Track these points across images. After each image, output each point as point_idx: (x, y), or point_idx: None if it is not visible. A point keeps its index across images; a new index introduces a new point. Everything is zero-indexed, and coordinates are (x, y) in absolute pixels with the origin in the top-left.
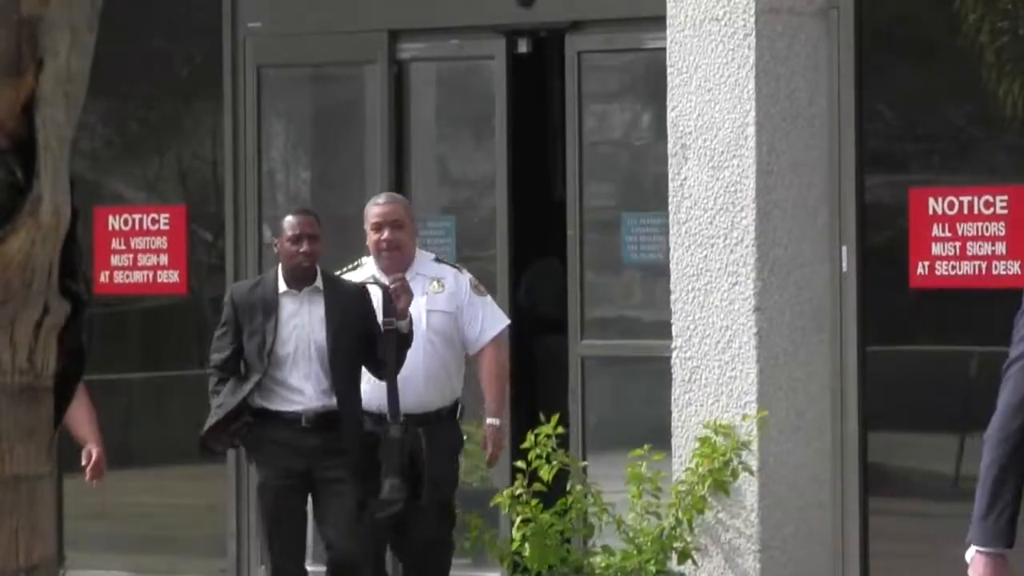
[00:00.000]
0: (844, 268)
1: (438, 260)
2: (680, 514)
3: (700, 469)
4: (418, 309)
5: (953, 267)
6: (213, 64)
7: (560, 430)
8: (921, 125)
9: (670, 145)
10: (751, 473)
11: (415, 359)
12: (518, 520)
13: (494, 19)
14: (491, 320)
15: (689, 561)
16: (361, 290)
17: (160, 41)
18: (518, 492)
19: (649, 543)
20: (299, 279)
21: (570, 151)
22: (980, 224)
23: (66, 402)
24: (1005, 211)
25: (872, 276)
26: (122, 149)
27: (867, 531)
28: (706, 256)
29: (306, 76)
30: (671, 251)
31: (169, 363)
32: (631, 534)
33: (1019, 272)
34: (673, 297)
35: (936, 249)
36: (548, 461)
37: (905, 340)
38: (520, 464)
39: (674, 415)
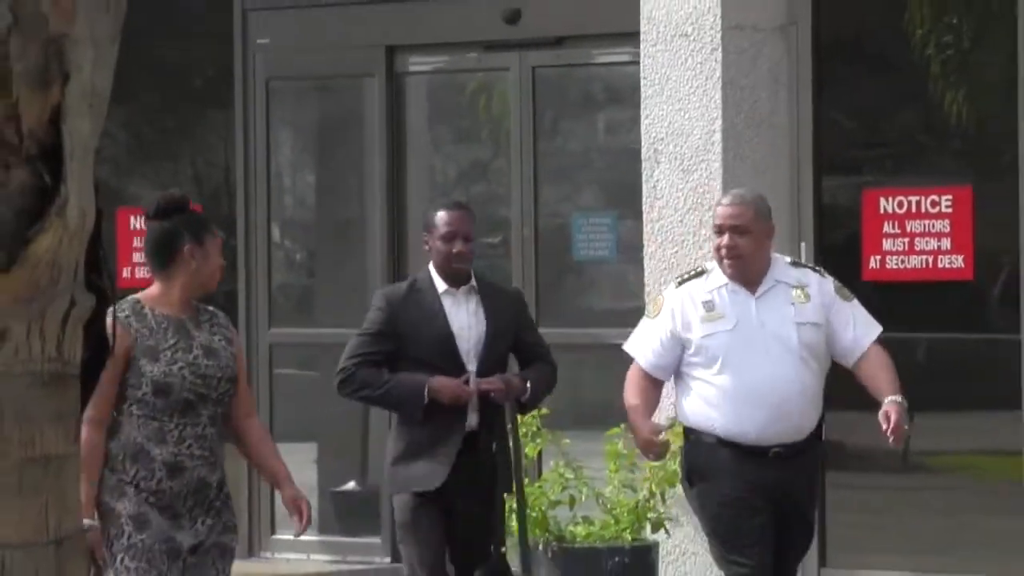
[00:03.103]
0: (803, 263)
1: (795, 263)
2: (653, 487)
3: (672, 446)
4: (786, 322)
5: (902, 261)
6: (225, 77)
7: (544, 411)
8: (873, 132)
9: (643, 150)
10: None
11: (788, 379)
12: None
13: (483, 35)
14: (867, 324)
15: (662, 530)
16: (517, 294)
17: (176, 55)
18: None
19: (625, 514)
20: (455, 279)
21: (525, 158)
22: (927, 222)
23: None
24: (950, 210)
25: (828, 270)
26: (142, 155)
27: (824, 503)
28: (677, 252)
29: (311, 88)
30: (645, 247)
31: None
32: (609, 506)
33: (962, 266)
34: (647, 289)
35: (887, 245)
36: (533, 440)
37: None
38: None
39: None
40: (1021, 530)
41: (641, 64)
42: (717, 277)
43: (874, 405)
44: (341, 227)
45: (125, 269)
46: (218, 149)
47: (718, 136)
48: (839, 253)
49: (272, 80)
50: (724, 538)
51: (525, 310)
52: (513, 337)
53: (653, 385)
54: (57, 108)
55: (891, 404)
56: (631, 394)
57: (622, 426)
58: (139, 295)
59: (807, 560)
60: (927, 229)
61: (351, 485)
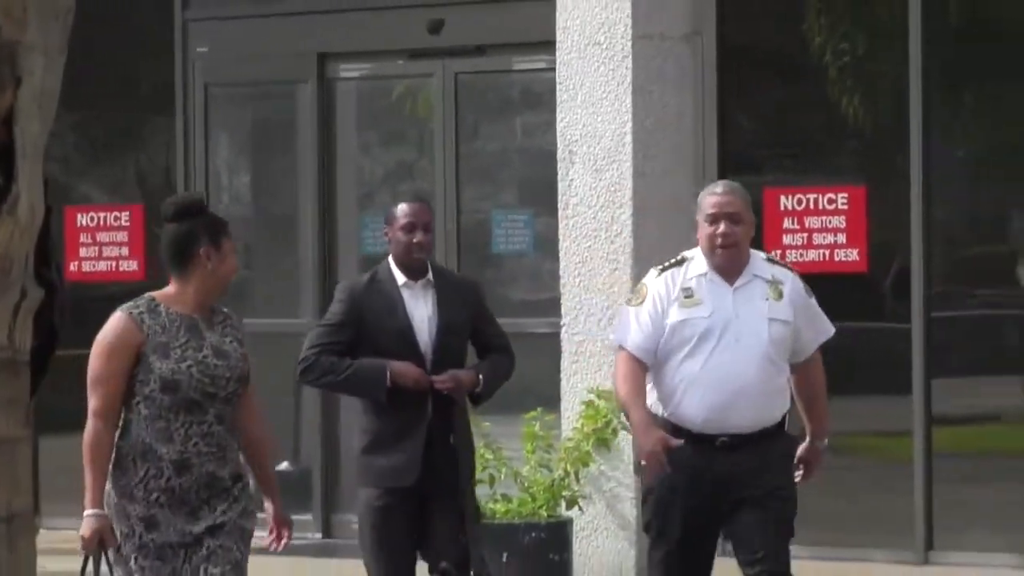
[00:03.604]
0: None
1: (771, 260)
2: (568, 467)
3: (585, 428)
4: (759, 317)
5: (801, 254)
6: (167, 83)
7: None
8: (774, 134)
9: (559, 151)
10: (628, 432)
11: (753, 374)
12: None
13: (408, 44)
14: (822, 326)
15: (576, 507)
16: (474, 286)
17: (121, 62)
18: None
19: (542, 492)
20: (414, 270)
21: (448, 158)
22: (824, 218)
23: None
24: (845, 207)
25: None
26: (89, 156)
27: None
28: (590, 246)
29: (247, 93)
30: (560, 242)
31: None
32: (526, 484)
33: (857, 259)
34: (562, 281)
35: (787, 239)
36: None
37: None
38: None
39: (563, 382)
40: (910, 506)
41: (557, 71)
42: (698, 266)
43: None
44: (275, 223)
45: (72, 263)
46: (160, 150)
47: (629, 138)
48: None
49: (211, 86)
50: (653, 523)
51: (483, 302)
52: (471, 328)
53: (641, 371)
54: (10, 110)
55: (816, 451)
56: (625, 387)
57: (539, 409)
58: (155, 293)
59: None
60: (824, 225)
61: (284, 465)
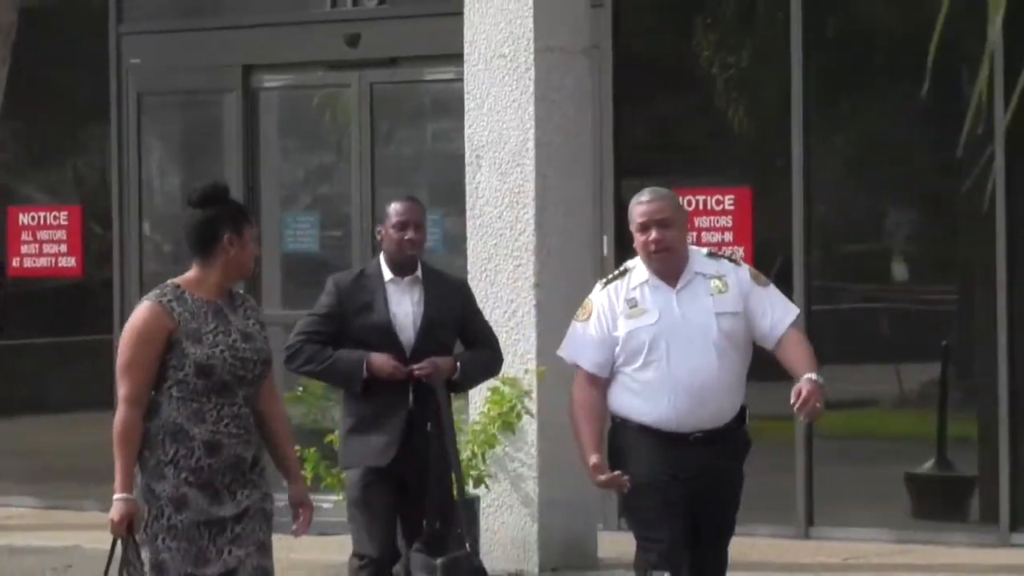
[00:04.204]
0: (605, 253)
1: (712, 255)
2: (475, 448)
3: (491, 412)
4: (706, 313)
5: None
6: (102, 92)
7: None
8: (666, 140)
9: (467, 156)
10: (531, 416)
11: (710, 369)
12: (301, 448)
13: (327, 56)
14: (783, 308)
15: (483, 485)
16: (462, 284)
17: (60, 74)
18: None
19: None
20: (403, 267)
21: (364, 162)
22: (712, 218)
23: None
24: (732, 207)
25: (626, 258)
26: (30, 160)
27: None
28: (495, 244)
29: (177, 102)
30: (468, 240)
31: (69, 330)
32: None
33: (743, 255)
34: (470, 276)
35: None
36: None
37: None
38: None
39: None
40: (792, 485)
41: (465, 81)
42: (639, 275)
43: None
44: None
45: (15, 260)
46: (97, 155)
47: (531, 144)
48: None
49: (143, 95)
50: (638, 519)
51: (471, 299)
52: (458, 325)
53: (601, 392)
54: None
55: (805, 381)
56: (577, 418)
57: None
58: (178, 280)
59: (607, 509)
60: (713, 224)
61: None
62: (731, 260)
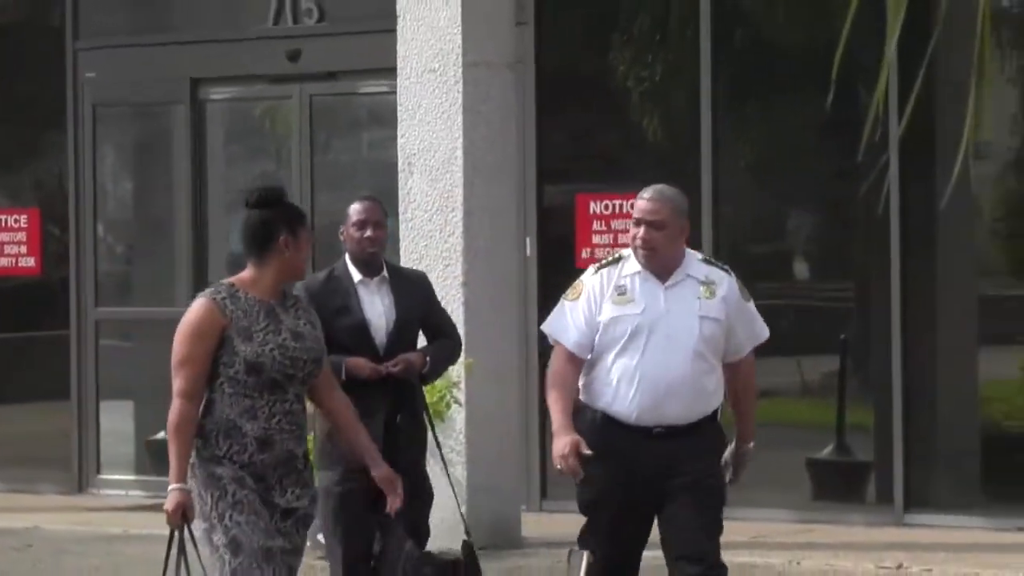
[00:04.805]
0: (528, 253)
1: (706, 260)
2: None
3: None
4: (691, 315)
5: (608, 252)
6: (59, 104)
7: None
8: (585, 148)
9: (400, 163)
10: (460, 405)
11: (682, 369)
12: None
13: (270, 70)
14: (756, 329)
15: None
16: (423, 278)
17: (20, 86)
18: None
19: None
20: (369, 266)
21: (304, 169)
22: (627, 220)
23: None
24: None
25: (549, 259)
26: None
27: (544, 449)
28: (426, 245)
29: (129, 113)
30: (400, 242)
31: (29, 326)
32: None
33: None
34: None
35: (595, 239)
36: None
37: None
38: None
39: None
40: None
41: (397, 94)
42: (632, 265)
43: None
44: (154, 225)
45: None
46: (54, 162)
47: (460, 152)
48: (558, 246)
49: (98, 107)
50: (588, 520)
51: (432, 292)
52: (422, 319)
53: (575, 370)
54: None
55: (742, 454)
56: (552, 387)
57: None
58: (232, 279)
59: (531, 492)
60: (627, 226)
61: (161, 434)
62: (723, 269)
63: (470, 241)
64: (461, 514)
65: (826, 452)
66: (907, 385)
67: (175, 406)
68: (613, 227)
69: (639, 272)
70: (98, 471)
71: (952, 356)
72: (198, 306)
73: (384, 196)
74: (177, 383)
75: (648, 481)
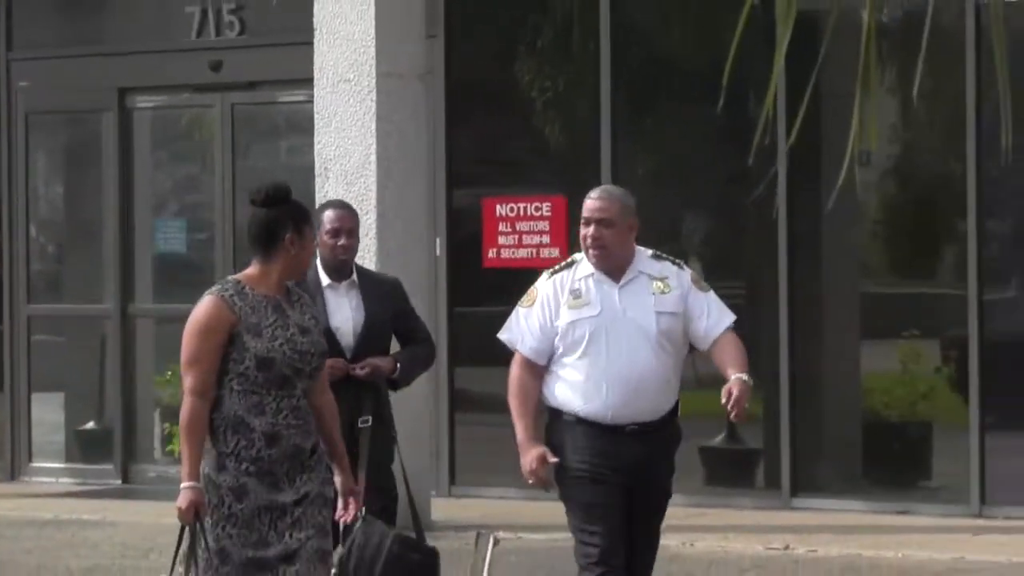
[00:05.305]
0: (437, 253)
1: (657, 256)
2: None
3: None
4: (647, 311)
5: (513, 252)
6: None
7: None
8: (491, 154)
9: (317, 168)
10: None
11: (647, 364)
12: (169, 426)
13: (193, 80)
14: (720, 312)
15: None
16: (395, 283)
17: None
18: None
19: None
20: (339, 272)
21: (225, 173)
22: (531, 222)
23: None
24: (549, 213)
25: (457, 259)
26: None
27: (454, 438)
28: None
29: (60, 120)
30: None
31: None
32: None
33: (559, 255)
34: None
35: (502, 240)
36: None
37: (480, 304)
38: None
39: None
40: None
41: (314, 102)
42: (585, 267)
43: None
44: (84, 226)
45: None
46: None
47: (373, 158)
48: (466, 247)
49: (30, 114)
50: (577, 510)
51: (405, 297)
52: (393, 324)
53: (534, 377)
54: None
55: (735, 381)
56: (514, 398)
57: None
58: (239, 276)
59: (440, 477)
60: (532, 228)
61: (90, 424)
62: (674, 263)
63: (383, 242)
64: (415, 514)
65: (718, 440)
66: (794, 377)
67: (186, 404)
68: (518, 228)
69: (592, 274)
70: (30, 459)
71: (836, 350)
72: (206, 303)
73: (301, 199)
74: (188, 381)
75: (626, 478)
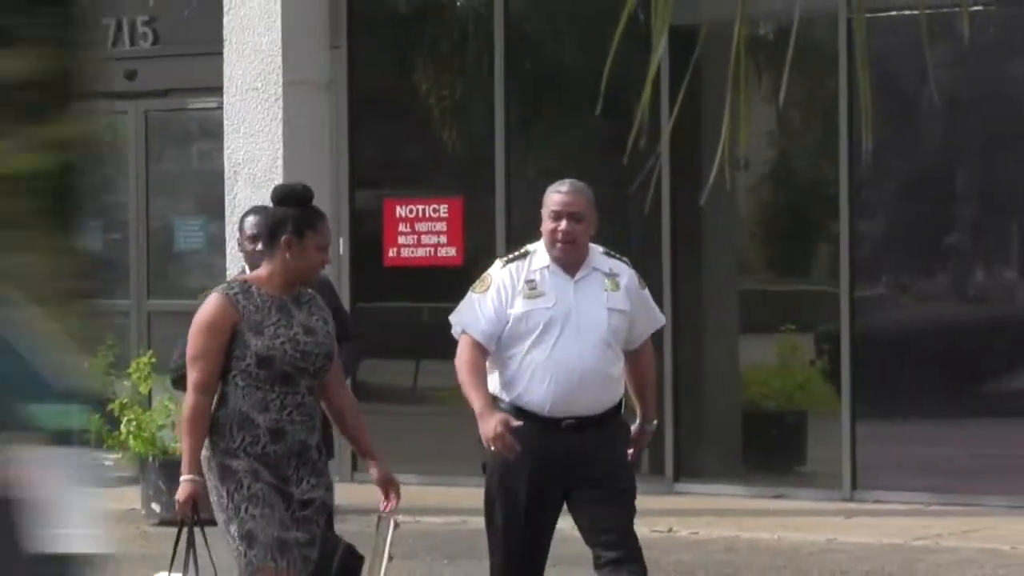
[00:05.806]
0: (341, 252)
1: (608, 254)
2: None
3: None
4: (600, 307)
5: (413, 251)
6: None
7: (152, 359)
8: (392, 158)
9: (226, 171)
10: None
11: (593, 360)
12: (125, 419)
13: (109, 87)
14: (653, 316)
15: None
16: (325, 281)
17: None
18: (125, 400)
19: None
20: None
21: (139, 177)
22: (429, 223)
23: None
24: (446, 214)
25: (360, 258)
26: None
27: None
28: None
29: None
30: (227, 242)
31: None
32: None
33: (455, 255)
34: (228, 273)
35: (401, 240)
36: (146, 380)
37: (381, 300)
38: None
39: None
40: None
41: (224, 109)
42: (540, 259)
43: (398, 356)
44: None
45: None
46: None
47: (280, 162)
48: (368, 246)
49: None
50: (496, 501)
51: (335, 295)
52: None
53: (482, 357)
54: None
55: (645, 432)
56: (467, 373)
57: None
58: (247, 276)
59: (343, 464)
60: (430, 229)
61: None
62: (622, 261)
63: None
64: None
65: None
66: (676, 369)
67: (189, 399)
68: (417, 229)
69: (548, 266)
70: None
71: (717, 344)
72: (211, 301)
73: (212, 201)
74: (192, 376)
75: (558, 471)
